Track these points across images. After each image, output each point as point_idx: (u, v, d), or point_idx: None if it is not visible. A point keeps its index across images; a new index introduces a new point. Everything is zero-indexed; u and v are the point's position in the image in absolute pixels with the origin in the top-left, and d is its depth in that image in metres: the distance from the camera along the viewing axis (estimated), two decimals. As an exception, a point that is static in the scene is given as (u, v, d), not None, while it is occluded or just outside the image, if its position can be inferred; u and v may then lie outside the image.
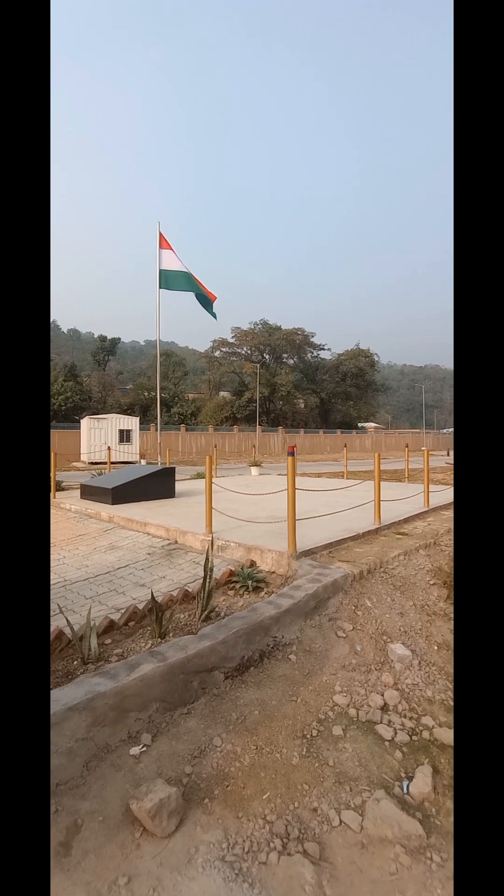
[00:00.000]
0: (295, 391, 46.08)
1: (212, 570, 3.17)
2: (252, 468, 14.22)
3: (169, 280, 10.24)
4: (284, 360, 50.50)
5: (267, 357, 49.36)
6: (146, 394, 42.26)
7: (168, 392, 42.39)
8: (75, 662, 2.50)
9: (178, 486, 8.52)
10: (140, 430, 24.75)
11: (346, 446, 13.12)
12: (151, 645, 2.66)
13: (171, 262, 10.27)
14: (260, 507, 6.49)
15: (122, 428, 23.16)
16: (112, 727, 2.03)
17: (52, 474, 9.25)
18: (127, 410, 38.11)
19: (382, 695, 2.53)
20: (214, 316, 11.02)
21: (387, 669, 2.76)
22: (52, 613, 3.18)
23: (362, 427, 52.10)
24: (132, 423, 23.86)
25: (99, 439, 22.12)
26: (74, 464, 21.50)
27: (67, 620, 2.67)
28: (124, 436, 23.07)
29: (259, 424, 38.23)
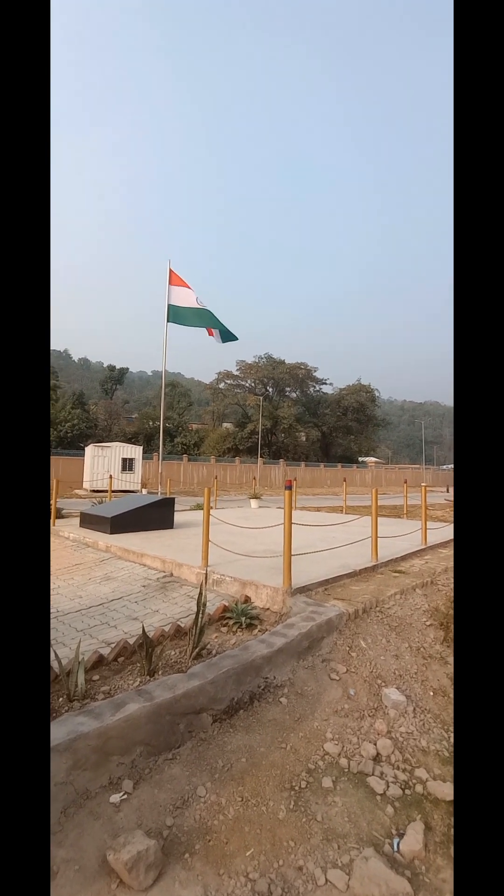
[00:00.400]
0: (297, 424, 46.44)
1: (205, 605, 3.14)
2: (252, 500, 14.17)
3: (178, 315, 10.58)
4: (287, 393, 51.21)
5: (270, 390, 50.08)
6: (151, 423, 42.67)
7: (172, 422, 42.79)
8: (60, 699, 2.45)
9: (178, 517, 8.49)
10: (143, 459, 24.84)
11: (345, 480, 13.10)
12: (140, 683, 2.60)
13: (182, 299, 10.64)
14: (258, 540, 6.44)
15: (125, 456, 23.26)
16: (93, 771, 1.96)
17: (52, 501, 9.26)
18: (131, 439, 38.40)
19: (375, 744, 2.44)
20: (227, 339, 11.06)
21: (380, 716, 2.68)
22: (40, 646, 3.13)
23: (363, 461, 52.10)
24: (135, 451, 23.98)
25: (102, 467, 22.19)
26: (76, 491, 21.49)
27: (56, 654, 2.63)
28: (127, 464, 23.13)
29: (261, 456, 38.31)
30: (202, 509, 5.22)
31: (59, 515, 9.12)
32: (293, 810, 2.00)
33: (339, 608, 3.56)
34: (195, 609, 3.42)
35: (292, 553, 3.89)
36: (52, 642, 3.17)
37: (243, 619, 3.50)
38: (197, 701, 2.39)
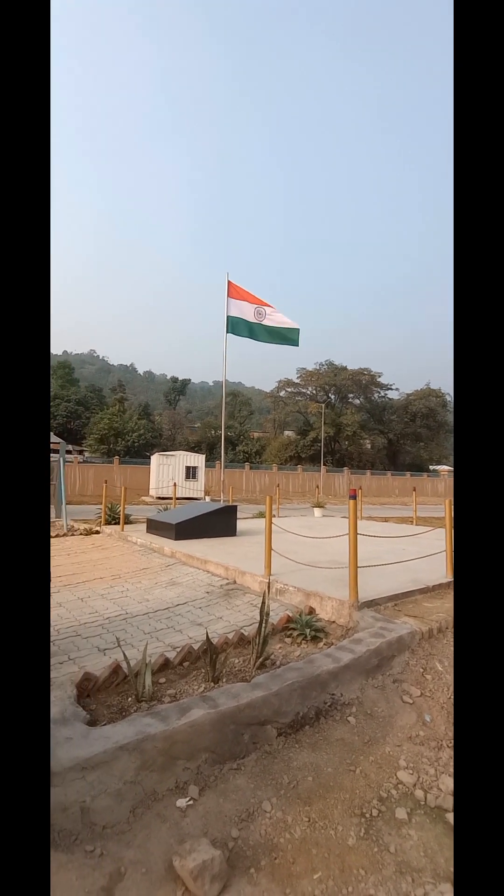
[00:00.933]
0: (361, 431, 45.14)
1: (268, 614, 3.10)
2: (315, 509, 13.95)
3: (237, 327, 10.83)
4: (350, 399, 50.03)
5: (332, 397, 49.27)
6: (213, 432, 43.84)
7: (234, 430, 43.60)
8: (130, 699, 2.53)
9: (240, 525, 8.57)
10: (205, 467, 25.48)
11: (415, 490, 12.45)
12: (204, 689, 2.62)
13: (242, 311, 10.87)
14: (321, 550, 6.30)
15: (188, 465, 24.00)
16: (160, 774, 1.99)
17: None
18: (194, 448, 39.69)
19: (454, 776, 2.24)
20: (295, 343, 11.04)
21: (460, 746, 2.45)
22: (111, 646, 3.27)
23: (434, 470, 49.22)
24: (198, 460, 24.67)
25: (167, 475, 23.07)
26: (143, 498, 22.53)
27: (125, 655, 2.72)
28: (190, 472, 23.84)
29: (324, 464, 37.71)
30: (264, 517, 5.20)
31: (127, 521, 9.59)
32: (363, 838, 1.88)
33: (410, 626, 3.35)
34: (258, 618, 3.39)
35: (358, 565, 3.74)
36: (121, 643, 3.29)
37: (308, 630, 3.41)
38: (261, 712, 2.35)
